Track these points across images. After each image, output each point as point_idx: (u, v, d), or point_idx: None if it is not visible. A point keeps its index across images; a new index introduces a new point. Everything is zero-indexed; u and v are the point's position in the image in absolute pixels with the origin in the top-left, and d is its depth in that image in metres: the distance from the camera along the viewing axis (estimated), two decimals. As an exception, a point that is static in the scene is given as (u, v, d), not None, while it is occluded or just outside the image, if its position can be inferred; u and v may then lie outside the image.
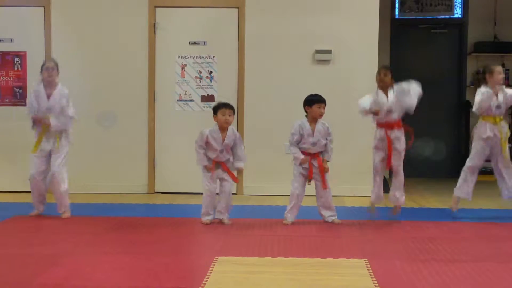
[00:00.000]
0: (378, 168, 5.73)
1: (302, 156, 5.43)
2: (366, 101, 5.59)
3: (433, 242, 4.79)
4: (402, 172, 5.69)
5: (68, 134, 5.67)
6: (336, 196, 6.72)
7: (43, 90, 5.60)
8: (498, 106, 5.74)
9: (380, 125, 5.66)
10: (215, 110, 5.45)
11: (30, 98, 5.68)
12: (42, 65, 5.67)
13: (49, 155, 5.63)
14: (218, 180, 5.51)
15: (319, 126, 5.46)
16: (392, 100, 5.59)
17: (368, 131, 6.51)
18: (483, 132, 5.78)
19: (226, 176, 5.50)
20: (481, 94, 5.71)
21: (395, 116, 5.61)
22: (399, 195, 5.71)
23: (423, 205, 6.65)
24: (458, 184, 5.93)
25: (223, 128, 5.43)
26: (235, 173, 5.53)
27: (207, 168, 5.45)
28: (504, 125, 5.79)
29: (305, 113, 5.49)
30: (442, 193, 7.32)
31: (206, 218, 5.45)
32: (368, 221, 5.68)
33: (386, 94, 5.64)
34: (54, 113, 5.55)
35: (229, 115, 5.42)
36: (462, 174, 5.91)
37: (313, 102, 5.44)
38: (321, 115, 5.45)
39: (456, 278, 3.84)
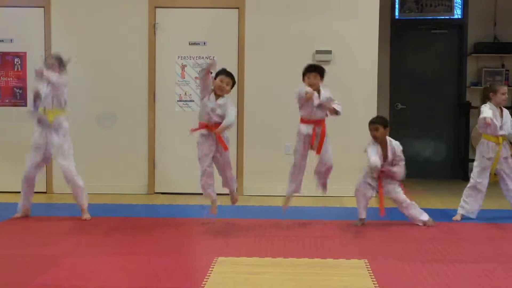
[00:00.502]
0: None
1: (308, 91, 5.29)
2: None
3: (433, 243, 4.79)
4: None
5: (67, 130, 5.65)
6: (336, 197, 6.75)
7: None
8: (501, 127, 5.65)
9: None
10: (217, 74, 5.40)
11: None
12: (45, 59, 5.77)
13: (45, 151, 5.62)
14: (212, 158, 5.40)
15: (322, 90, 5.40)
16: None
17: (368, 131, 6.51)
18: (485, 152, 5.71)
19: (218, 149, 5.36)
20: (486, 111, 5.52)
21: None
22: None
23: (423, 206, 6.61)
24: (462, 202, 5.83)
25: (217, 95, 5.34)
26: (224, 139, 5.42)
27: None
28: (505, 145, 5.68)
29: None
30: (442, 194, 7.31)
31: (208, 191, 5.42)
32: (368, 222, 5.68)
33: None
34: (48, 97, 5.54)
35: (226, 84, 5.35)
36: (466, 191, 5.82)
37: (303, 74, 5.46)
38: (310, 85, 5.38)
39: (456, 278, 3.84)
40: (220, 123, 5.25)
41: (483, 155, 5.72)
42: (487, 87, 5.86)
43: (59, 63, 5.67)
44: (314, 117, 5.42)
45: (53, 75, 5.49)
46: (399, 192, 5.49)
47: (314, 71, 5.43)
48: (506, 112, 5.73)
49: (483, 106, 5.66)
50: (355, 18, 7.16)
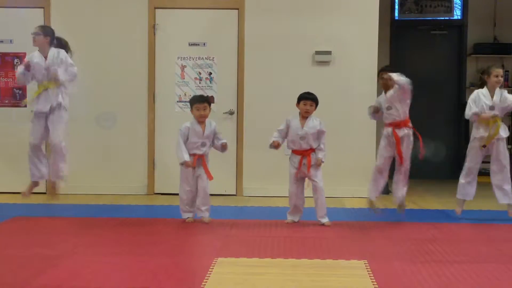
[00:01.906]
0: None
1: (274, 139, 5.52)
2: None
3: (433, 243, 4.79)
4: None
5: (66, 105, 5.71)
6: (335, 198, 6.74)
7: (38, 52, 5.73)
8: (491, 107, 5.70)
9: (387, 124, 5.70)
10: (191, 104, 5.58)
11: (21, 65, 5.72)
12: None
13: (45, 119, 5.67)
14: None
15: (309, 121, 5.49)
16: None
17: (368, 132, 6.54)
18: (476, 133, 5.78)
19: (202, 173, 5.52)
20: (471, 107, 5.73)
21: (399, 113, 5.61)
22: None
23: (422, 207, 6.65)
24: (458, 188, 5.93)
25: (200, 122, 5.52)
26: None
27: (187, 164, 5.45)
28: (500, 125, 5.69)
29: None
30: (441, 195, 7.32)
31: (187, 216, 5.54)
32: (368, 222, 5.68)
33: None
34: (52, 71, 5.63)
35: (204, 109, 5.49)
36: (460, 177, 5.92)
37: (300, 99, 5.52)
38: (306, 112, 5.48)
39: (456, 279, 3.84)
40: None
41: (474, 136, 5.80)
42: (482, 71, 5.91)
43: (51, 36, 5.78)
44: (300, 147, 5.51)
45: (60, 73, 5.61)
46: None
47: (311, 99, 5.50)
48: (500, 93, 5.72)
49: (469, 99, 5.81)
50: (354, 19, 7.17)
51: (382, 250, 4.67)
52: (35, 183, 5.80)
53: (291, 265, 4.14)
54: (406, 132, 5.62)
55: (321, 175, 5.51)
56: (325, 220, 5.49)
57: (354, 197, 7.00)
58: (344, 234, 5.19)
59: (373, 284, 3.70)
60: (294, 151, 5.54)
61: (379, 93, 7.24)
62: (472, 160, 5.83)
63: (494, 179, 5.80)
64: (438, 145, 8.86)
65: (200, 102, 5.53)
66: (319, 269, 4.08)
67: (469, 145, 5.86)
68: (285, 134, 5.56)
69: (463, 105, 8.84)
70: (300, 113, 5.54)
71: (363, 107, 7.06)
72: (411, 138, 5.64)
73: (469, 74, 9.03)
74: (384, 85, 5.70)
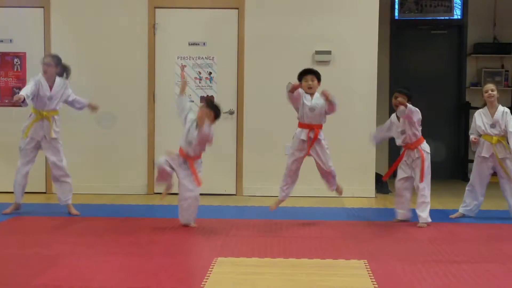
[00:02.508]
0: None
1: (297, 82, 5.41)
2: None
3: (433, 243, 4.79)
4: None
5: (58, 121, 5.86)
6: (335, 197, 6.73)
7: (44, 81, 5.75)
8: (492, 125, 5.70)
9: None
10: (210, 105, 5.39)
11: (29, 84, 5.72)
12: (43, 59, 5.87)
13: (38, 146, 5.82)
14: (174, 173, 5.33)
15: (317, 95, 5.47)
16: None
17: (368, 132, 6.52)
18: (479, 151, 5.81)
19: (187, 179, 5.26)
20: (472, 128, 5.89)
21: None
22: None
23: (422, 206, 6.64)
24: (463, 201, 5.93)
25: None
26: None
27: (169, 152, 5.27)
28: (506, 145, 5.66)
29: None
30: (441, 195, 7.31)
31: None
32: (368, 222, 5.69)
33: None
34: (55, 101, 5.77)
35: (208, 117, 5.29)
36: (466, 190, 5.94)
37: (299, 76, 5.50)
38: (309, 88, 5.46)
39: (456, 279, 3.84)
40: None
41: (477, 154, 5.83)
42: None
43: (59, 66, 5.83)
44: (307, 120, 5.46)
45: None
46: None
47: (311, 73, 5.47)
48: (502, 111, 5.71)
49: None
50: (354, 18, 7.17)
51: (382, 249, 4.67)
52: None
53: (291, 265, 4.14)
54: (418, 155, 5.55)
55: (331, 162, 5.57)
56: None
57: (354, 197, 7.00)
58: (344, 234, 5.19)
59: (373, 284, 3.70)
60: (301, 124, 5.49)
61: (379, 93, 7.29)
62: (473, 176, 5.89)
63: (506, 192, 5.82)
64: (438, 145, 8.86)
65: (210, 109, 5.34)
66: (319, 269, 4.08)
67: (474, 162, 5.92)
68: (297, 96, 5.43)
69: (463, 105, 8.89)
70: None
71: (363, 107, 7.10)
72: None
73: (469, 74, 9.02)
74: (397, 106, 5.63)
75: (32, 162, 5.90)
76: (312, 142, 5.44)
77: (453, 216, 5.89)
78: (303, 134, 5.47)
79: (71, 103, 5.94)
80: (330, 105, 5.42)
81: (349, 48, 7.16)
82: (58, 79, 5.81)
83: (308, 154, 5.53)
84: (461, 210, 5.90)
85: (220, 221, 5.57)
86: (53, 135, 5.77)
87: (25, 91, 5.55)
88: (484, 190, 5.85)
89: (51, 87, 5.76)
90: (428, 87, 8.93)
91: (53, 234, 5.09)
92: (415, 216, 5.54)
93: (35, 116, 5.77)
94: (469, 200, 5.86)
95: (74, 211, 5.85)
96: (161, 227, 5.37)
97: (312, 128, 5.46)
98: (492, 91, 5.70)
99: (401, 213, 5.66)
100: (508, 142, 5.62)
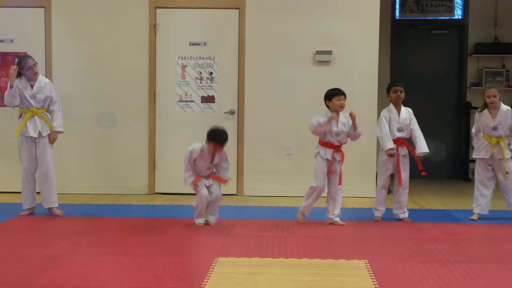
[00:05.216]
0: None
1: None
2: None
3: (433, 243, 4.79)
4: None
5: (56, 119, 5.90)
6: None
7: (25, 82, 5.81)
8: (494, 128, 5.70)
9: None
10: (210, 137, 5.35)
11: (12, 92, 5.77)
12: (21, 62, 5.81)
13: (34, 141, 5.85)
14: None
15: (342, 117, 5.53)
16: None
17: (368, 133, 6.52)
18: (479, 152, 5.83)
19: (213, 182, 5.49)
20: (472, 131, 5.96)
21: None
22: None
23: (423, 206, 6.65)
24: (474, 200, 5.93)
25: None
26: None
27: (194, 183, 5.41)
28: (503, 146, 5.66)
29: (327, 107, 5.55)
30: (442, 194, 7.32)
31: (199, 221, 5.46)
32: (368, 222, 5.69)
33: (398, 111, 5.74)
34: (39, 99, 5.79)
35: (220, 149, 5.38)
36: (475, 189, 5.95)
37: (332, 95, 5.52)
38: (341, 106, 5.52)
39: (456, 279, 3.84)
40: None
41: (476, 152, 5.84)
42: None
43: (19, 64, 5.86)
44: (331, 141, 5.53)
45: (57, 126, 5.88)
46: None
47: (344, 94, 5.54)
48: (503, 111, 5.69)
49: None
50: (355, 18, 7.16)
51: (383, 249, 4.67)
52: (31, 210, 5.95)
53: (291, 265, 4.14)
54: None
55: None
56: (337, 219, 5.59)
57: (354, 197, 7.00)
58: (344, 234, 5.19)
59: (374, 284, 3.70)
60: (325, 144, 5.54)
61: (379, 93, 7.27)
62: (477, 174, 5.89)
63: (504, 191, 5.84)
64: (438, 145, 8.86)
65: (221, 143, 5.37)
66: (320, 269, 4.08)
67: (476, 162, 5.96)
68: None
69: (463, 105, 8.88)
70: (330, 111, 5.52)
71: (363, 106, 7.08)
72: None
73: (470, 74, 9.01)
74: (395, 99, 5.68)
75: (34, 162, 5.89)
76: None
77: (472, 217, 5.87)
78: (329, 154, 5.53)
79: (50, 112, 5.90)
80: (354, 133, 5.55)
81: (350, 48, 7.16)
82: (40, 77, 5.85)
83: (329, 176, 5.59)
84: (476, 210, 5.87)
85: (221, 221, 5.56)
86: (56, 129, 5.83)
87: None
88: (492, 185, 5.84)
89: (32, 86, 5.80)
90: (429, 87, 8.92)
91: (53, 234, 5.08)
92: (410, 216, 5.53)
93: (26, 115, 5.82)
94: (481, 199, 5.84)
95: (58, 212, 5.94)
96: (161, 227, 5.37)
97: (335, 149, 5.55)
98: (494, 96, 5.68)
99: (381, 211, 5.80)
100: (506, 145, 5.67)
